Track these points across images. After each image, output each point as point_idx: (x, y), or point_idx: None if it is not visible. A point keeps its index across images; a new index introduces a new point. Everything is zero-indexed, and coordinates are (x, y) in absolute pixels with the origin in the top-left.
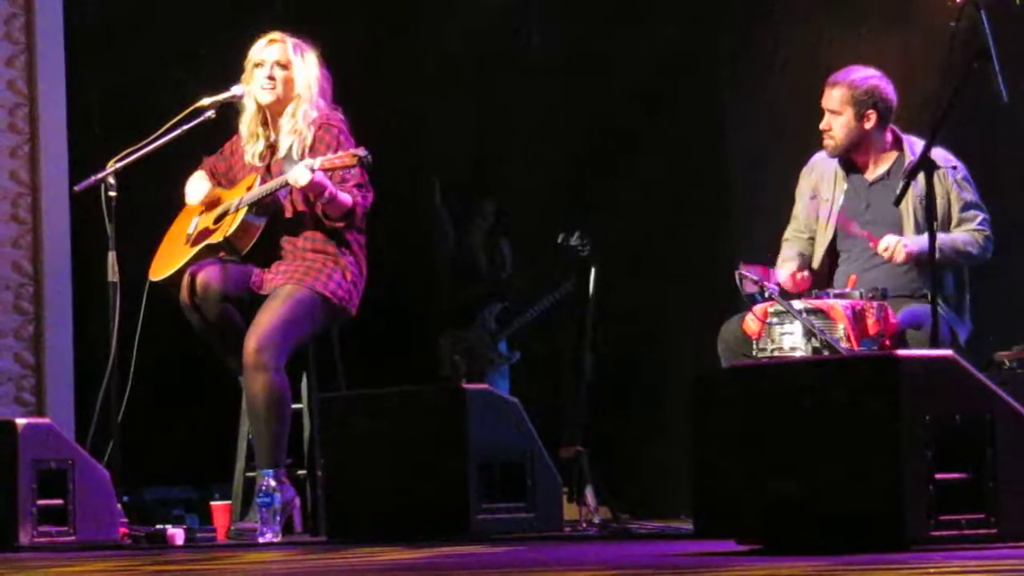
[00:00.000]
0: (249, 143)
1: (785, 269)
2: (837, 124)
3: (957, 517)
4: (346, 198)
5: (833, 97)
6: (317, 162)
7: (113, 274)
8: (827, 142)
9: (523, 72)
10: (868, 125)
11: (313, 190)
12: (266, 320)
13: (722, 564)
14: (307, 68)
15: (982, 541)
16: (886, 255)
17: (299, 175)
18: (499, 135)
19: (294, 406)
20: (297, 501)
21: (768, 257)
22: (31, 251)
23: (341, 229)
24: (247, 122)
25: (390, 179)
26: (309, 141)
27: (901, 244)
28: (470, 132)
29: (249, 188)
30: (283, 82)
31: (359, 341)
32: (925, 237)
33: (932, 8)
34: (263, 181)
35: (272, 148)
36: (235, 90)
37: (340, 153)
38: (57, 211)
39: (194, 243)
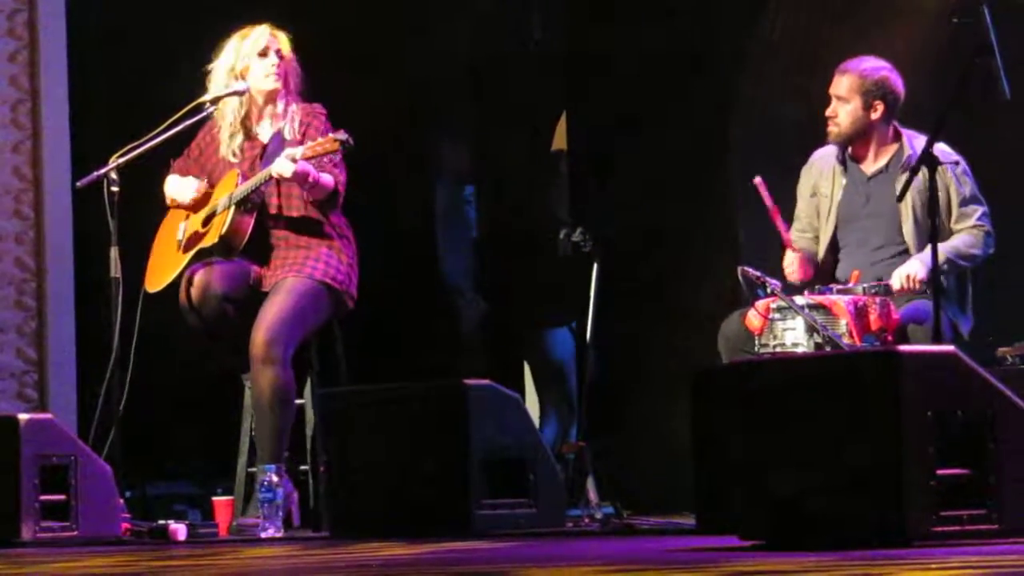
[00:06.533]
0: (226, 141)
1: (791, 254)
2: (843, 112)
3: (959, 513)
4: (328, 179)
5: (842, 84)
6: (299, 151)
7: (115, 270)
8: (831, 128)
9: (523, 70)
10: (874, 116)
11: (297, 180)
12: (273, 314)
13: (724, 560)
14: (294, 61)
15: (984, 536)
16: (906, 286)
17: (283, 168)
18: (498, 134)
19: (296, 401)
20: (295, 495)
21: (767, 259)
22: (33, 247)
23: (327, 213)
24: (228, 117)
25: (389, 175)
26: (298, 124)
27: (915, 276)
28: (469, 131)
29: (235, 185)
30: (283, 72)
31: (362, 336)
32: (927, 253)
33: (935, 3)
34: (245, 176)
35: (252, 141)
36: (237, 86)
37: (320, 140)
38: (59, 207)
39: (186, 249)
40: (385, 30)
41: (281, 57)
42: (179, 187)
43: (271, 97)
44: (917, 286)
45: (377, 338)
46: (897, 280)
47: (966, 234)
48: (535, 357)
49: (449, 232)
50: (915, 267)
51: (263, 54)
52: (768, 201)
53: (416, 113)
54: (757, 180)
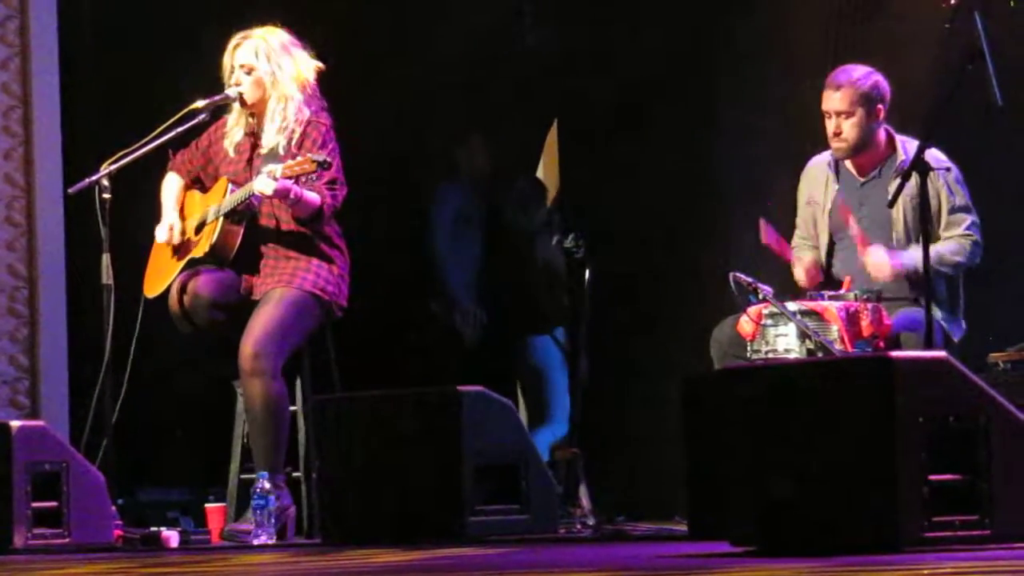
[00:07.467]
0: (230, 132)
1: (800, 267)
2: (848, 125)
3: (951, 518)
4: (313, 198)
5: (839, 98)
6: (279, 170)
7: (107, 276)
8: (838, 145)
9: (516, 73)
10: (877, 122)
11: (279, 197)
12: (260, 325)
13: (716, 566)
14: (283, 66)
15: (976, 542)
16: (872, 270)
17: (263, 186)
18: (492, 135)
19: (290, 408)
20: (292, 511)
21: (761, 263)
22: (25, 254)
23: (315, 226)
24: (234, 115)
25: (387, 180)
26: (297, 137)
27: (887, 262)
28: (464, 132)
29: (223, 193)
30: (252, 85)
31: (354, 343)
32: (913, 252)
33: (926, 9)
34: (235, 182)
35: (253, 139)
36: (229, 92)
37: (299, 159)
38: (51, 214)
39: (179, 257)
40: (386, 32)
41: (248, 71)
42: (163, 208)
43: (254, 108)
44: (882, 275)
45: (369, 345)
46: (872, 256)
47: (953, 242)
48: (520, 364)
49: (454, 243)
50: (879, 256)
51: (231, 71)
52: (773, 242)
53: (414, 118)
54: (762, 228)
